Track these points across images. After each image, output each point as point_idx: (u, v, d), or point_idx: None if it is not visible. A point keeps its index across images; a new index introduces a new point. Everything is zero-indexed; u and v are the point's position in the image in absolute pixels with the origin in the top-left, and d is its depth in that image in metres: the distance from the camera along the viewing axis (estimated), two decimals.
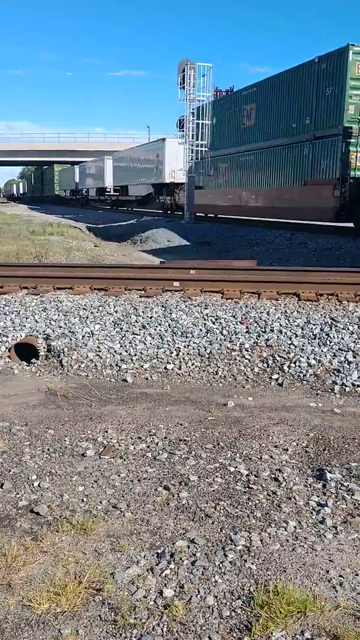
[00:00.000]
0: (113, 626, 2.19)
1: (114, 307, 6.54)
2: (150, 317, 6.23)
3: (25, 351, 5.99)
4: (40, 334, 6.04)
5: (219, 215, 25.75)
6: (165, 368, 5.47)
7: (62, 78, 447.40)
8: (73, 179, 58.26)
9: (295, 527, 2.86)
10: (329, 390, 5.03)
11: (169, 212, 30.39)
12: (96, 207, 48.45)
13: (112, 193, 44.02)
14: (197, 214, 24.97)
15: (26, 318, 6.36)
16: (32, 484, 3.31)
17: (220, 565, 2.55)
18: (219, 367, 5.47)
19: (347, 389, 5.03)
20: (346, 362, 5.33)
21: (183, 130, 22.51)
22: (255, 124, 21.06)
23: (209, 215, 26.40)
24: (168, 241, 18.64)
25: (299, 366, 5.35)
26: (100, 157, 48.10)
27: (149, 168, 32.33)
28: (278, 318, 6.08)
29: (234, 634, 2.15)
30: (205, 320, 6.13)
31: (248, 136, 21.73)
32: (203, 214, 26.32)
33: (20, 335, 6.09)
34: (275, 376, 5.29)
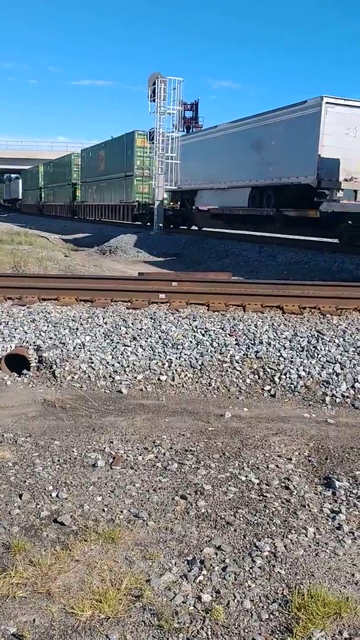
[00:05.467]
0: (159, 631, 2.27)
1: (103, 318, 6.59)
2: (140, 329, 6.31)
3: (15, 362, 5.99)
4: (30, 345, 6.05)
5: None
6: (158, 379, 5.55)
7: (25, 86, 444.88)
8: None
9: (314, 533, 2.99)
10: (321, 402, 5.19)
11: (138, 223, 29.51)
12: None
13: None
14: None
15: (15, 329, 6.35)
16: (50, 495, 3.36)
17: (251, 570, 2.65)
18: (212, 378, 5.58)
19: (338, 399, 5.21)
20: (334, 374, 5.50)
21: (153, 142, 22.71)
22: None
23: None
24: (138, 252, 18.72)
25: (290, 378, 5.50)
26: None
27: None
28: (266, 330, 6.23)
29: (276, 635, 2.25)
30: (194, 332, 6.24)
31: None
32: (172, 225, 26.46)
33: (10, 347, 6.09)
34: (267, 387, 5.43)
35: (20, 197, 65.32)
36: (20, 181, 65.46)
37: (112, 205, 33.33)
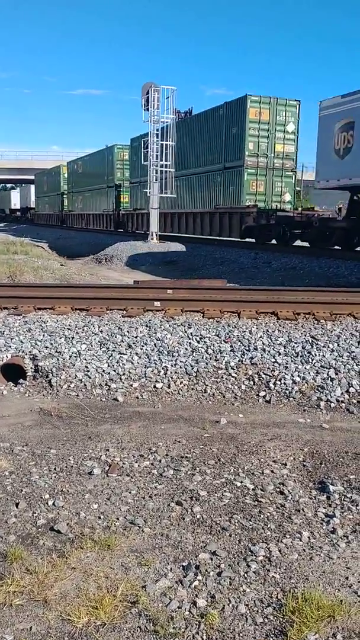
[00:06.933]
0: (154, 636, 2.29)
1: (99, 327, 6.62)
2: (136, 337, 6.34)
3: (11, 372, 6.01)
4: (26, 354, 6.07)
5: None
6: (154, 387, 5.57)
7: (20, 95, 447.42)
8: None
9: (309, 537, 3.01)
10: (315, 407, 5.22)
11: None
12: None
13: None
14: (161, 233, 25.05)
15: (11, 339, 6.37)
16: (47, 503, 3.38)
17: (246, 575, 2.68)
18: (207, 385, 5.60)
19: (332, 404, 5.24)
20: (329, 379, 5.53)
21: (147, 151, 22.80)
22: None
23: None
24: (134, 260, 18.77)
25: (285, 383, 5.53)
26: None
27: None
28: (260, 337, 6.27)
29: (271, 639, 2.28)
30: (190, 339, 6.27)
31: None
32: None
33: (6, 356, 6.10)
34: (262, 393, 5.46)
35: (33, 205, 58.29)
36: (32, 187, 58.46)
37: (194, 213, 23.61)
